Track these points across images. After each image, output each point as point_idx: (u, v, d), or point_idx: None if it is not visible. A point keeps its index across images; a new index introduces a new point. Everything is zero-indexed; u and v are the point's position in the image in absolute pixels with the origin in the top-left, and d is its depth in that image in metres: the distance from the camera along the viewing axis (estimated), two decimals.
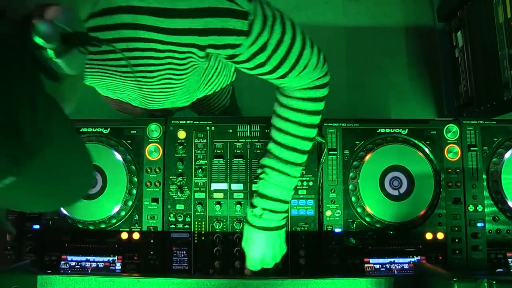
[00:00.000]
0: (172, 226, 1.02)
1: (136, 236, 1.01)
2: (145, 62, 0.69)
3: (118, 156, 1.02)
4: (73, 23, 0.46)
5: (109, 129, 1.04)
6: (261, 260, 0.92)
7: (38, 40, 0.41)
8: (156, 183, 1.02)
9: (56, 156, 0.44)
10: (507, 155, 1.02)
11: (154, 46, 0.65)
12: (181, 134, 1.04)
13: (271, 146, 0.89)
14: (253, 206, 0.90)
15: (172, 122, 1.04)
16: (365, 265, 1.01)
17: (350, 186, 1.02)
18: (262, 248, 0.91)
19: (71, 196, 0.54)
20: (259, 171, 0.91)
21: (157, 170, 1.03)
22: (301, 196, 1.03)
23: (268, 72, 0.75)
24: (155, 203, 1.02)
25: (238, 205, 1.02)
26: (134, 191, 1.02)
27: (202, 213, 1.02)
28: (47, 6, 0.43)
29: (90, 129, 1.04)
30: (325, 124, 1.05)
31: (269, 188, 0.88)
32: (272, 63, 0.73)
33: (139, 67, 0.71)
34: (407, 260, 1.01)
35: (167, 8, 0.59)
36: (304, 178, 1.03)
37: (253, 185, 0.92)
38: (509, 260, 1.02)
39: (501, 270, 1.01)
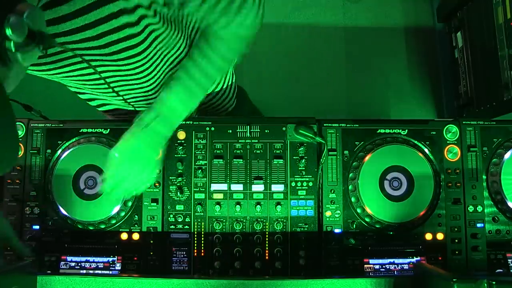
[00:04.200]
0: (172, 226, 1.02)
1: (135, 236, 1.01)
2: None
3: None
4: (38, 22, 0.49)
5: (108, 129, 1.04)
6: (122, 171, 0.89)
7: (8, 31, 0.43)
8: (156, 184, 1.02)
9: None
10: (506, 156, 1.02)
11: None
12: (181, 135, 1.04)
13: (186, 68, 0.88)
14: (144, 116, 0.88)
15: None
16: (365, 265, 1.01)
17: (350, 187, 1.02)
18: (132, 160, 0.88)
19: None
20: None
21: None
22: (301, 197, 1.03)
23: None
24: (155, 204, 1.02)
25: (237, 206, 1.02)
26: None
27: (202, 214, 1.02)
28: (18, 1, 0.45)
29: (90, 130, 1.04)
30: (324, 124, 1.05)
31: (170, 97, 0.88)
32: None
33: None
34: (407, 260, 1.01)
35: None
36: (303, 179, 1.03)
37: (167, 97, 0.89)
38: (509, 260, 1.02)
39: (501, 270, 1.01)
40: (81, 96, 0.99)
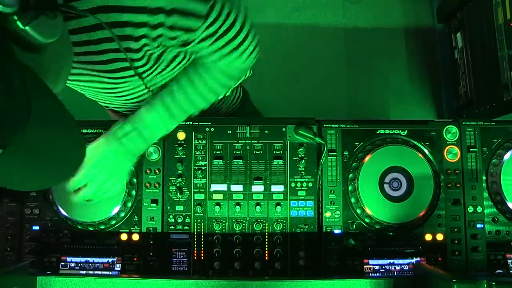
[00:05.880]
0: (172, 227, 1.02)
1: (135, 237, 1.01)
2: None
3: None
4: None
5: None
6: (91, 179, 0.89)
7: None
8: (156, 184, 1.02)
9: (41, 128, 0.44)
10: (506, 156, 1.02)
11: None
12: (181, 135, 1.04)
13: (175, 89, 0.89)
14: (121, 127, 0.89)
15: None
16: (365, 266, 1.01)
17: (350, 187, 1.02)
18: (99, 166, 0.88)
19: (62, 169, 0.54)
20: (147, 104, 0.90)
21: (157, 171, 1.03)
22: (301, 197, 1.03)
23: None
24: (155, 204, 1.02)
25: (237, 206, 1.02)
26: (134, 192, 1.01)
27: (202, 214, 1.02)
28: None
29: (90, 130, 1.04)
30: (324, 125, 1.05)
31: (146, 122, 0.88)
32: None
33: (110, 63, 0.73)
34: (407, 261, 1.01)
35: None
36: (303, 179, 1.03)
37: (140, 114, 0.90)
38: (509, 261, 1.02)
39: (501, 271, 1.01)
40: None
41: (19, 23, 0.42)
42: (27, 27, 0.43)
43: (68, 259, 1.01)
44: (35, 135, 0.44)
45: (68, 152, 0.53)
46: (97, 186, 0.89)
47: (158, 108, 0.88)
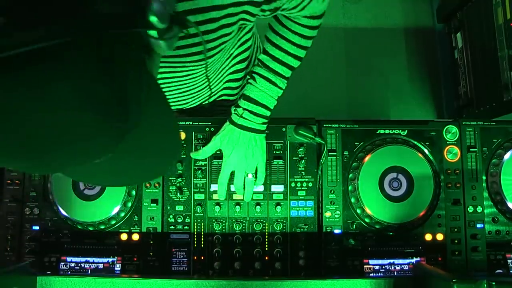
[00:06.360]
0: (172, 227, 1.02)
1: (135, 237, 1.02)
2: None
3: None
4: (172, 4, 0.46)
5: None
6: (235, 163, 0.98)
7: (153, 19, 0.40)
8: (156, 184, 1.02)
9: (148, 134, 0.45)
10: (506, 156, 1.02)
11: (213, 15, 0.69)
12: (181, 135, 1.04)
13: (263, 57, 0.94)
14: (237, 106, 0.95)
15: None
16: (365, 266, 1.01)
17: (350, 187, 1.02)
18: (238, 146, 0.96)
19: (149, 174, 0.55)
20: (248, 77, 0.96)
21: None
22: (301, 197, 1.03)
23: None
24: (155, 204, 1.02)
25: (237, 206, 1.02)
26: (134, 192, 1.02)
27: (202, 214, 1.02)
28: None
29: None
30: (324, 125, 1.05)
31: (255, 92, 0.93)
32: None
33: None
34: (407, 261, 1.01)
35: None
36: (303, 179, 1.03)
37: (243, 90, 0.97)
38: (509, 261, 1.02)
39: (501, 271, 1.01)
40: None
41: (154, 34, 0.43)
42: (161, 40, 0.44)
43: (68, 259, 1.01)
44: (143, 138, 0.45)
45: (168, 146, 0.53)
46: (245, 162, 0.97)
47: (259, 83, 0.93)
